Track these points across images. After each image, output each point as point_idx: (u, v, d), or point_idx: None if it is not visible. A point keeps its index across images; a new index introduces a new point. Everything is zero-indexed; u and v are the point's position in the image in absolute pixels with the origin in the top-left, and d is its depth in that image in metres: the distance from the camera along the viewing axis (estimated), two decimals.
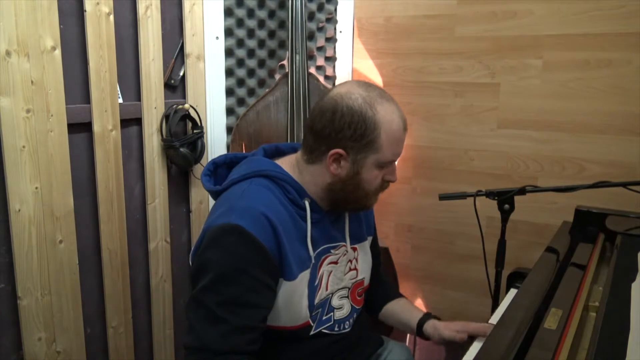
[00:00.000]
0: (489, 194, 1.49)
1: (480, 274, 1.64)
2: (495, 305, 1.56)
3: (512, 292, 1.38)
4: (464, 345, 1.14)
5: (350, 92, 1.03)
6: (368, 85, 1.05)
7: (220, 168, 1.19)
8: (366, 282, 1.25)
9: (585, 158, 1.84)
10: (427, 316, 1.26)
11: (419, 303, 2.21)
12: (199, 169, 1.76)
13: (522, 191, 1.47)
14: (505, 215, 1.50)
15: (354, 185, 1.06)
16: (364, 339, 1.26)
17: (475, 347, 1.07)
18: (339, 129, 1.02)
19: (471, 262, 2.06)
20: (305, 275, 1.06)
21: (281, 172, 1.08)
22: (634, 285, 0.95)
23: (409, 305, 1.33)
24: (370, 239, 1.28)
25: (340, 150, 1.03)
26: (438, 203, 1.66)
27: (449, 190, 1.60)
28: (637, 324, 0.80)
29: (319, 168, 1.07)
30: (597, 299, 1.03)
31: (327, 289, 1.12)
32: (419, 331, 1.25)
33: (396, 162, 1.10)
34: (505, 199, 1.48)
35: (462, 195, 1.51)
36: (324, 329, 1.12)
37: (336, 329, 1.15)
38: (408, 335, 2.11)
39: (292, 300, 1.04)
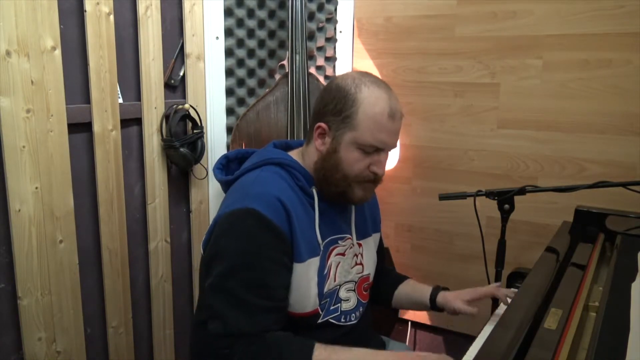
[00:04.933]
0: (489, 194, 1.49)
1: (480, 274, 1.64)
2: (495, 305, 1.56)
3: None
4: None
5: (346, 75, 1.10)
6: (366, 73, 1.10)
7: (232, 163, 1.24)
8: (371, 278, 1.27)
9: (585, 158, 1.84)
10: (436, 289, 1.28)
11: None
12: (199, 169, 1.76)
13: (522, 191, 1.47)
14: (505, 215, 1.50)
15: (332, 164, 1.08)
16: (368, 338, 1.27)
17: (475, 347, 1.07)
18: (324, 104, 1.08)
19: (471, 262, 2.06)
20: (314, 262, 1.08)
21: (291, 160, 1.12)
22: (634, 285, 0.95)
23: (417, 284, 1.35)
24: (375, 236, 1.30)
25: (322, 124, 1.08)
26: (438, 203, 1.66)
27: (449, 190, 1.60)
28: (637, 324, 0.80)
29: (312, 147, 1.12)
30: (597, 299, 1.03)
31: (335, 280, 1.14)
32: (433, 305, 1.27)
33: (385, 154, 1.09)
34: (505, 199, 1.48)
35: (462, 195, 1.51)
36: (331, 318, 1.15)
37: (342, 319, 1.17)
38: (408, 335, 2.12)
39: (301, 284, 1.06)
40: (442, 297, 1.25)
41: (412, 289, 1.33)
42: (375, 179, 1.10)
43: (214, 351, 1.01)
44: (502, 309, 1.20)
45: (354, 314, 1.19)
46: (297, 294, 1.06)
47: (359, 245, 1.22)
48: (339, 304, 1.16)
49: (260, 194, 1.03)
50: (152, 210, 1.67)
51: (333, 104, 1.06)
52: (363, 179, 1.09)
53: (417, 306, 1.33)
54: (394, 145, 1.10)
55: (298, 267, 1.05)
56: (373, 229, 1.29)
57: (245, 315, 0.98)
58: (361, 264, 1.22)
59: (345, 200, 1.13)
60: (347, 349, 1.00)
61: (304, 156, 1.15)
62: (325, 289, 1.12)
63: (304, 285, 1.07)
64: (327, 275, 1.12)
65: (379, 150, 1.07)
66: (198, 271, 1.62)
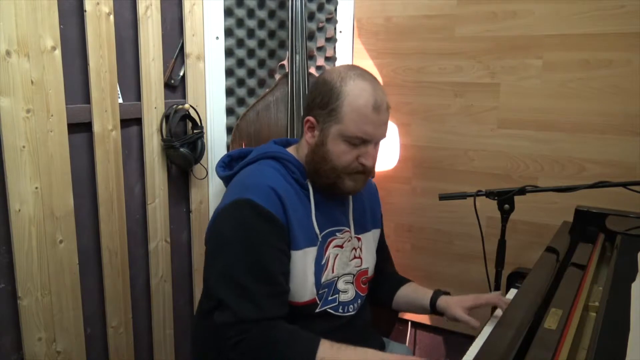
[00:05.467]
0: (489, 194, 1.49)
1: (480, 274, 1.64)
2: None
3: (512, 292, 1.38)
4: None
5: (333, 68, 1.13)
6: (353, 67, 1.12)
7: (235, 161, 1.26)
8: (370, 273, 1.28)
9: (585, 158, 1.84)
10: (438, 293, 1.28)
11: None
12: (199, 169, 1.76)
13: (522, 191, 1.47)
14: (505, 215, 1.50)
15: (320, 156, 1.10)
16: (368, 337, 1.27)
17: (475, 347, 1.07)
18: (312, 98, 1.11)
19: (471, 262, 2.06)
20: (311, 251, 1.11)
21: (286, 154, 1.15)
22: (634, 285, 0.95)
23: (419, 287, 1.35)
24: (374, 232, 1.31)
25: (311, 118, 1.12)
26: (438, 203, 1.66)
27: (449, 190, 1.60)
28: (637, 324, 0.80)
29: (304, 140, 1.15)
30: (597, 299, 1.03)
31: (333, 271, 1.16)
32: (433, 309, 1.27)
33: (373, 145, 1.10)
34: (505, 199, 1.48)
35: (462, 195, 1.51)
36: (329, 308, 1.16)
37: (340, 310, 1.19)
38: (408, 335, 2.11)
39: (298, 272, 1.09)
40: (443, 301, 1.25)
41: (413, 291, 1.33)
42: (365, 170, 1.11)
43: (221, 341, 1.03)
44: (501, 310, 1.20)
45: (352, 305, 1.21)
46: (295, 281, 1.09)
47: (358, 239, 1.24)
48: (337, 295, 1.18)
49: (255, 184, 1.07)
50: (152, 210, 1.67)
51: (320, 98, 1.09)
52: (352, 170, 1.11)
53: (417, 309, 1.32)
54: (382, 137, 1.11)
55: (295, 255, 1.08)
56: (373, 224, 1.30)
57: (251, 302, 1.01)
58: (360, 257, 1.24)
59: (337, 191, 1.15)
60: (353, 348, 1.01)
61: (299, 150, 1.18)
62: (323, 279, 1.14)
63: (301, 273, 1.09)
64: (325, 266, 1.14)
65: (366, 141, 1.08)
66: (198, 271, 1.63)
